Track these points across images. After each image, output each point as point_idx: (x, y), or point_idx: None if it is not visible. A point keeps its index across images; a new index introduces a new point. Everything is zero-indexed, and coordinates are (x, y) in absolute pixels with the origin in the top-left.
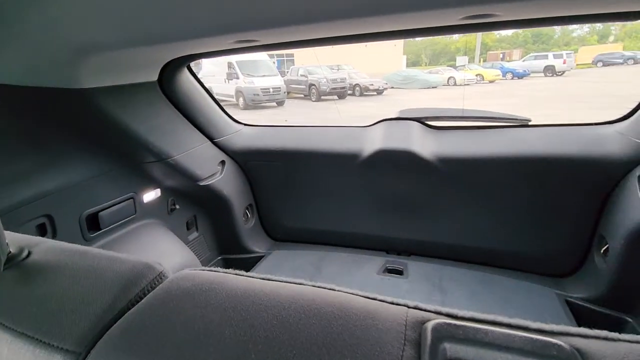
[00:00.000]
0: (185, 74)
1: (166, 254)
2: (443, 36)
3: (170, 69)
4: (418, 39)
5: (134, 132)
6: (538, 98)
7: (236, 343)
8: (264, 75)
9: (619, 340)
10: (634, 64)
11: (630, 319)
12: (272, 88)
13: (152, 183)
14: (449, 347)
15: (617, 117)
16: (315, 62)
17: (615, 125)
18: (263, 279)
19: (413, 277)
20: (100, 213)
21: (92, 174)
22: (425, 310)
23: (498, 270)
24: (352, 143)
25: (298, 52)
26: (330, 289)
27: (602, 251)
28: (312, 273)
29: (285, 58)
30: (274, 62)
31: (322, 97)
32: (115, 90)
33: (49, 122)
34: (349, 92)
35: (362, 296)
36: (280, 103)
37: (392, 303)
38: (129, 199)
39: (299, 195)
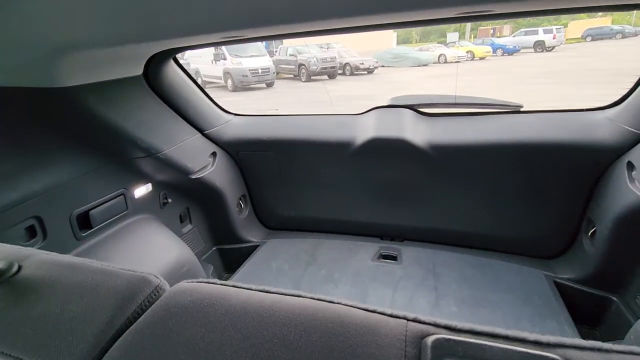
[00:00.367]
0: (171, 66)
1: (160, 248)
2: None
3: (156, 62)
4: None
5: (121, 129)
6: (526, 74)
7: None
8: (252, 56)
9: (612, 351)
10: (622, 37)
11: (615, 298)
12: (261, 69)
13: (143, 178)
14: None
15: (605, 99)
16: (304, 42)
17: (605, 112)
18: (262, 291)
19: (407, 263)
20: (91, 211)
21: (80, 172)
22: (424, 322)
23: (489, 253)
24: (344, 131)
25: None
26: (329, 302)
27: (589, 234)
28: (307, 261)
29: None
30: (262, 42)
31: (312, 77)
32: (99, 87)
33: (30, 122)
34: (339, 71)
35: (362, 309)
36: (269, 84)
37: (392, 316)
38: (119, 195)
39: (292, 184)
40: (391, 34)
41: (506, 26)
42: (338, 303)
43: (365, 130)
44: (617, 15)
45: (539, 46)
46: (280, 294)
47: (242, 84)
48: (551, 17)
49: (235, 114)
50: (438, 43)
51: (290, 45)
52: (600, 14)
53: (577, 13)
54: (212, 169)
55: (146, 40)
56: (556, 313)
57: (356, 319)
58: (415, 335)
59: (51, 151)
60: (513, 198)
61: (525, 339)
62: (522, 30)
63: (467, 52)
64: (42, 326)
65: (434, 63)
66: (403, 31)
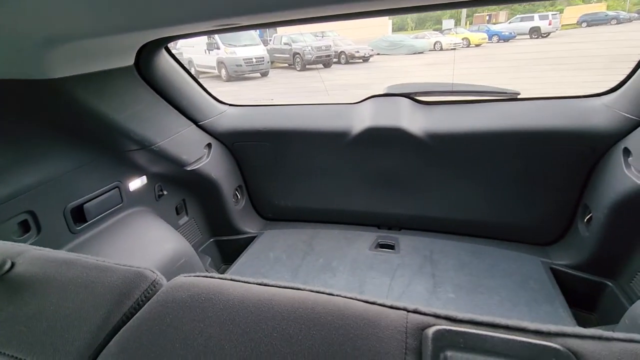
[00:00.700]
0: (163, 55)
1: (157, 241)
2: None
3: (147, 52)
4: None
5: (114, 121)
6: (522, 60)
7: (237, 359)
8: (246, 45)
9: (613, 339)
10: (617, 23)
11: (610, 283)
12: (255, 58)
13: (138, 171)
14: (450, 356)
15: (601, 87)
16: (299, 30)
17: (602, 98)
18: (260, 284)
19: (405, 251)
20: (86, 205)
21: (73, 165)
22: (424, 314)
23: (486, 240)
24: (341, 121)
25: None
26: (329, 294)
27: (585, 220)
28: (304, 251)
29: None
30: (255, 31)
31: (307, 66)
32: (88, 78)
33: (21, 115)
34: (335, 60)
35: (362, 300)
36: (264, 74)
37: (392, 307)
38: (114, 188)
39: (288, 174)
40: (386, 22)
41: (502, 12)
42: (337, 295)
43: (361, 120)
44: (612, 0)
45: (535, 32)
46: (279, 286)
47: (236, 74)
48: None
49: (230, 105)
50: (434, 30)
51: (284, 34)
52: None
53: None
54: (207, 160)
55: (136, 30)
56: (552, 298)
57: (356, 312)
58: (415, 326)
59: (43, 144)
60: (510, 185)
61: (526, 329)
62: (517, 16)
63: (462, 39)
64: (36, 324)
65: (430, 50)
66: (398, 19)
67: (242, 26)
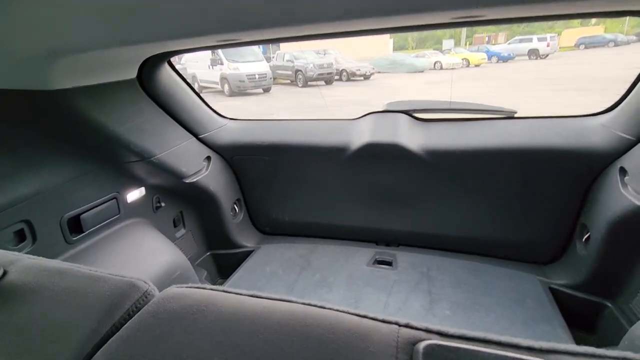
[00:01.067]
0: (166, 69)
1: (153, 252)
2: None
3: (150, 65)
4: None
5: (114, 132)
6: (521, 81)
7: None
8: (249, 61)
9: (605, 357)
10: (614, 46)
11: (609, 304)
12: (258, 74)
13: (136, 182)
14: None
15: (599, 107)
16: (301, 48)
17: (599, 118)
18: (252, 296)
19: (402, 268)
20: (82, 215)
21: (71, 175)
22: (416, 328)
23: (483, 258)
24: (340, 136)
25: None
26: (320, 307)
27: (583, 240)
28: (301, 265)
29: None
30: (259, 47)
31: (309, 83)
32: (91, 90)
33: (21, 124)
34: (336, 77)
35: (353, 314)
36: (266, 90)
37: (383, 321)
38: (111, 199)
39: (287, 189)
40: (387, 41)
41: (501, 34)
42: (329, 309)
43: (360, 135)
44: (610, 23)
45: (533, 54)
46: (271, 299)
47: (238, 89)
48: (545, 25)
49: (230, 119)
50: (434, 50)
51: (287, 51)
52: (593, 22)
53: (570, 19)
54: (206, 173)
55: (140, 43)
56: (550, 317)
57: (347, 325)
58: (407, 341)
59: (42, 154)
60: (507, 203)
61: (519, 345)
62: (516, 37)
63: (462, 59)
64: (26, 332)
65: (430, 69)
66: (399, 38)
67: (244, 42)
